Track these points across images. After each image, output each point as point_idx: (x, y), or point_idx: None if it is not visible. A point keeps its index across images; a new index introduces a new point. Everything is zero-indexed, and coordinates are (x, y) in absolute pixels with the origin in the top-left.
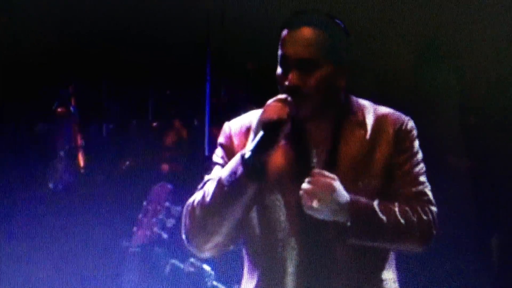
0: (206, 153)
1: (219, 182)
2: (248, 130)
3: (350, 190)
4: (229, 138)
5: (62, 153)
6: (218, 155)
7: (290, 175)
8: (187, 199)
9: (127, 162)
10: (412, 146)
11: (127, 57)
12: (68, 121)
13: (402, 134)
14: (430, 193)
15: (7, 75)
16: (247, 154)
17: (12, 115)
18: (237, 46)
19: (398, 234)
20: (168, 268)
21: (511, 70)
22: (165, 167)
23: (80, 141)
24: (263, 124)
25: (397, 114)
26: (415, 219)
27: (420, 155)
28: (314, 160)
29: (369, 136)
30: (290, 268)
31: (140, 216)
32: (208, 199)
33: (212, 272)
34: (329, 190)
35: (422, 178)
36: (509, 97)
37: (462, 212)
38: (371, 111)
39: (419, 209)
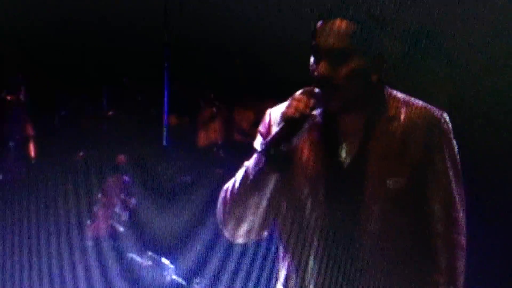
0: (165, 143)
1: (246, 171)
2: None
3: (379, 189)
4: (268, 125)
5: (11, 143)
6: (257, 142)
7: (318, 167)
8: (143, 191)
9: (81, 153)
10: (445, 144)
11: (81, 43)
12: (18, 110)
13: (435, 130)
14: (459, 204)
15: None
16: (261, 146)
17: None
18: (197, 32)
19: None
20: (125, 262)
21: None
22: (121, 158)
23: (31, 130)
24: (285, 117)
25: (431, 108)
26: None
27: (453, 153)
28: (343, 154)
29: (401, 132)
30: (313, 265)
31: (94, 208)
32: (236, 187)
33: (172, 266)
34: None
35: (454, 185)
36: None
37: None
38: (404, 105)
39: (446, 252)
